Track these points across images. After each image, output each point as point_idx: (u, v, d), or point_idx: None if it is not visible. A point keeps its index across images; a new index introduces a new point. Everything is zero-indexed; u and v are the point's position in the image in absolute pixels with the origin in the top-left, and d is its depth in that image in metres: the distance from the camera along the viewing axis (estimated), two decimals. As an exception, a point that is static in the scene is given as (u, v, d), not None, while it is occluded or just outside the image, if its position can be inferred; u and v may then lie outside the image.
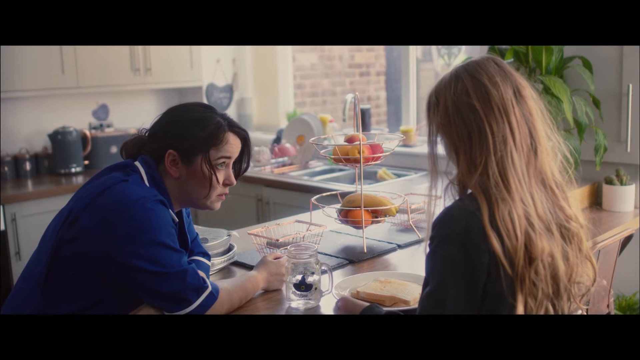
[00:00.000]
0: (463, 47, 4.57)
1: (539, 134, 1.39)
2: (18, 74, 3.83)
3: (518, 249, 1.30)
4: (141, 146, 1.76)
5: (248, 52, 4.96)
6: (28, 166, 4.13)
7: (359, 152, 2.18)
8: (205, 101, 4.79)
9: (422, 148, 3.93)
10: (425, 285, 1.38)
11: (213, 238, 2.13)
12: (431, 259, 1.37)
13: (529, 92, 1.41)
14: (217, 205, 1.79)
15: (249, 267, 2.11)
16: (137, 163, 1.72)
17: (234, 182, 1.79)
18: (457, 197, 1.41)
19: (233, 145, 1.74)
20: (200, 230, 2.20)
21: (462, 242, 1.31)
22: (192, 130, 1.69)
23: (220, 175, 1.74)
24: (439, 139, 1.44)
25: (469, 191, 1.38)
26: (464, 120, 1.37)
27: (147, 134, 1.77)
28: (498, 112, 1.36)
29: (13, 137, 4.17)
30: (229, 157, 1.74)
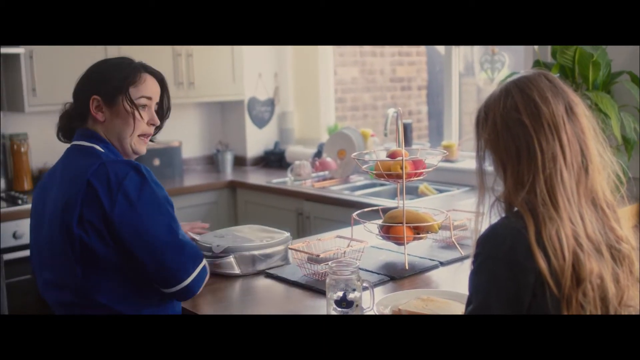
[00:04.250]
0: (506, 62, 4.51)
1: (590, 152, 1.36)
2: (54, 87, 3.76)
3: (565, 269, 1.27)
4: (70, 117, 1.89)
5: (289, 67, 4.98)
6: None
7: (402, 168, 2.16)
8: (247, 115, 4.83)
9: (464, 163, 3.89)
10: (468, 304, 1.36)
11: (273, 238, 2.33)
12: (475, 277, 1.34)
13: (582, 110, 1.38)
14: (143, 148, 1.89)
15: (289, 282, 2.10)
16: (93, 145, 1.82)
17: (158, 121, 1.90)
18: (503, 215, 1.38)
19: (151, 85, 1.87)
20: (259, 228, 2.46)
21: (507, 261, 1.29)
22: (110, 74, 1.83)
23: (145, 115, 1.85)
24: (487, 154, 1.42)
25: (516, 209, 1.36)
26: (513, 136, 1.35)
27: (72, 102, 1.89)
28: (548, 128, 1.33)
29: (47, 151, 4.01)
30: (149, 98, 1.86)
